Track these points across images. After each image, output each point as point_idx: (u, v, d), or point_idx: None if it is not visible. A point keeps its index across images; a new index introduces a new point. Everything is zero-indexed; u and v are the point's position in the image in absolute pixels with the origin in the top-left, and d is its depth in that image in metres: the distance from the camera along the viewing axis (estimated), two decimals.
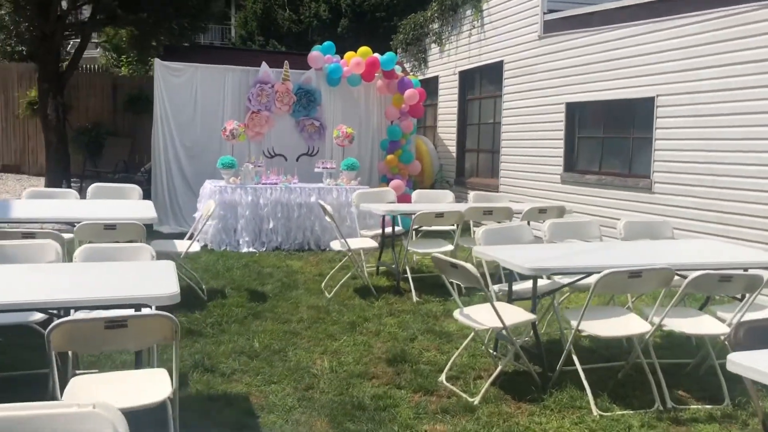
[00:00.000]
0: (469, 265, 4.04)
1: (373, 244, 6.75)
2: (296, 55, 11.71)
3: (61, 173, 12.26)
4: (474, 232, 7.81)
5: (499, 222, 6.93)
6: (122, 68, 17.17)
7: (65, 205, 6.15)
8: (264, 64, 10.10)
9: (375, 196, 7.64)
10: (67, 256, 4.65)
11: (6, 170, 14.13)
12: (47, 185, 12.16)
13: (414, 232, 7.65)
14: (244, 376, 4.50)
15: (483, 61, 11.35)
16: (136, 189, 6.90)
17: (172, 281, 3.45)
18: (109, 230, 5.22)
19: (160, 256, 6.63)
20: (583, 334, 4.22)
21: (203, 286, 6.59)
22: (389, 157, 10.35)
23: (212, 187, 8.68)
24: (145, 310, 2.98)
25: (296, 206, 8.87)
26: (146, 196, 10.76)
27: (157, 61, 9.92)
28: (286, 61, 10.20)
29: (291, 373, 4.57)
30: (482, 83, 11.78)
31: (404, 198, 10.23)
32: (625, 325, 4.26)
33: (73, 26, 12.30)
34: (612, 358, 4.87)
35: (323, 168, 9.41)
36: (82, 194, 11.70)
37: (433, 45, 13.27)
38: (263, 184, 8.88)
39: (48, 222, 5.58)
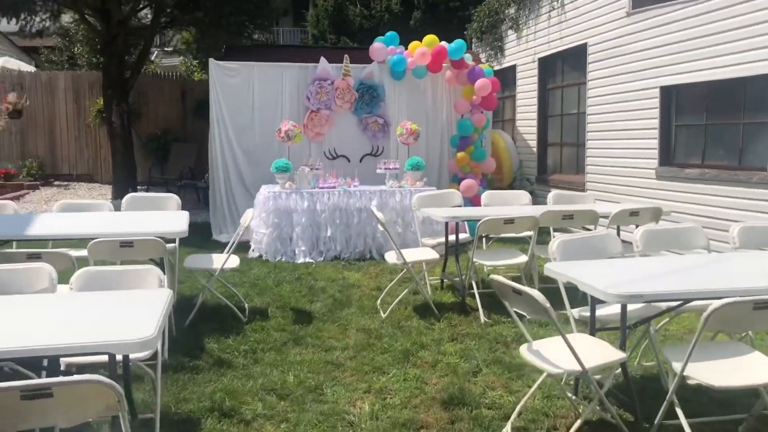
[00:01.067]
0: (535, 293, 3.13)
1: (434, 255, 5.89)
2: (357, 50, 10.99)
3: (127, 181, 12.06)
4: (553, 237, 6.83)
5: (582, 228, 5.93)
6: (195, 74, 17.04)
7: (90, 218, 5.63)
8: (323, 60, 9.42)
9: (437, 199, 6.78)
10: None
11: (80, 179, 14.15)
12: (114, 195, 12.01)
13: (483, 240, 6.76)
14: (266, 424, 3.75)
15: (564, 46, 10.24)
16: (173, 199, 6.34)
17: (153, 321, 2.75)
18: (126, 248, 4.60)
19: (195, 273, 6.13)
20: (690, 381, 3.21)
21: (245, 305, 5.93)
22: (460, 154, 9.45)
23: (266, 193, 8.06)
24: (75, 376, 2.24)
25: (356, 211, 8.13)
26: (206, 203, 10.38)
27: (211, 61, 9.42)
28: (346, 55, 9.48)
29: (323, 420, 3.79)
30: (564, 70, 10.66)
31: (478, 199, 9.29)
32: (748, 369, 3.22)
33: (135, 31, 12.05)
34: (729, 406, 3.82)
35: (385, 169, 8.62)
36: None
37: (509, 32, 12.24)
38: (320, 188, 8.19)
39: (60, 239, 5.06)
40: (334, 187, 8.22)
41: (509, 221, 5.43)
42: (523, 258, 5.75)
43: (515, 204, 6.93)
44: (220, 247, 8.61)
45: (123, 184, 12.03)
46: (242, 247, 8.30)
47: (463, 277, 5.94)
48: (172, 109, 14.26)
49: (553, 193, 7.01)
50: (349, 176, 8.67)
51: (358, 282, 6.94)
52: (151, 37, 12.00)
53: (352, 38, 18.02)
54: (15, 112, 13.42)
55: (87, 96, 13.95)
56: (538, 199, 10.92)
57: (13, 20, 10.49)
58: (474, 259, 5.67)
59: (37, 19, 10.68)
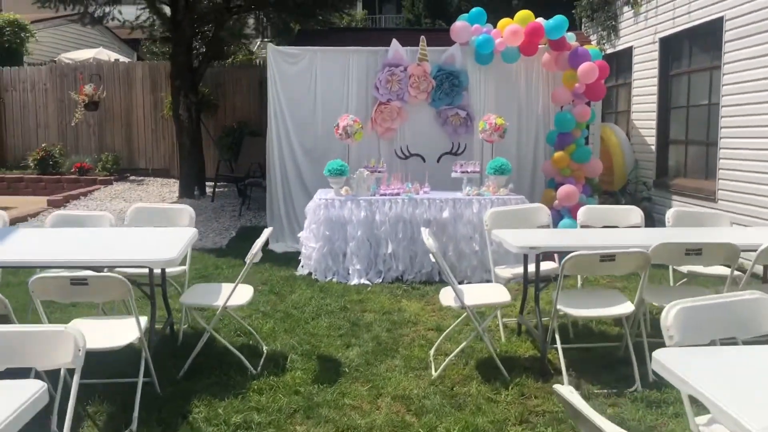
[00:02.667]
0: (605, 423, 1.67)
1: (504, 297, 4.38)
2: (436, 32, 9.53)
3: (194, 179, 11.23)
4: (672, 274, 5.14)
5: (709, 264, 4.26)
6: None
7: (64, 237, 4.56)
8: (394, 42, 8.04)
9: (517, 217, 5.25)
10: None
11: (156, 174, 13.56)
12: (180, 193, 11.22)
13: (578, 277, 5.18)
14: None
15: (693, 21, 8.32)
16: (186, 211, 5.19)
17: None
18: (79, 286, 3.46)
19: (190, 312, 4.93)
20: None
21: (263, 348, 4.71)
22: (558, 154, 7.80)
23: (317, 201, 6.81)
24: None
25: (424, 224, 6.71)
26: (262, 206, 9.30)
27: (269, 47, 8.28)
28: (422, 37, 8.05)
29: None
30: (692, 52, 8.72)
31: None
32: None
33: (204, 16, 11.16)
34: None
35: (461, 172, 7.15)
36: (200, 206, 10.63)
37: (625, 8, 10.35)
38: (381, 195, 6.85)
39: (11, 266, 4.04)
40: (397, 194, 6.85)
41: (608, 258, 3.86)
42: (626, 306, 4.15)
43: (622, 224, 5.29)
44: (274, 258, 7.51)
45: (190, 181, 11.22)
46: (293, 261, 7.14)
47: (545, 323, 4.43)
48: (250, 101, 13.35)
49: (674, 211, 5.30)
50: (418, 180, 7.27)
51: (415, 317, 5.54)
52: (220, 23, 11.03)
53: (449, 22, 16.49)
54: (91, 103, 12.96)
55: (163, 87, 13.28)
56: (654, 208, 9.09)
57: (70, 7, 9.81)
58: (558, 306, 4.14)
59: (94, 5, 9.96)
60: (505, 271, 5.08)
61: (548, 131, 8.20)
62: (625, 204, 9.79)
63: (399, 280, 6.71)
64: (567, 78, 7.74)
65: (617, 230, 4.96)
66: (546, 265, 4.87)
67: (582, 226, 5.33)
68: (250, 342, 4.90)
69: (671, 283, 5.15)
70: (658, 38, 9.30)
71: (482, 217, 6.54)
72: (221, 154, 11.95)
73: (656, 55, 9.36)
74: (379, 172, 7.14)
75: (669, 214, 5.28)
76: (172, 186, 12.41)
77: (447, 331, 4.87)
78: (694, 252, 4.00)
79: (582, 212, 5.37)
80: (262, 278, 6.69)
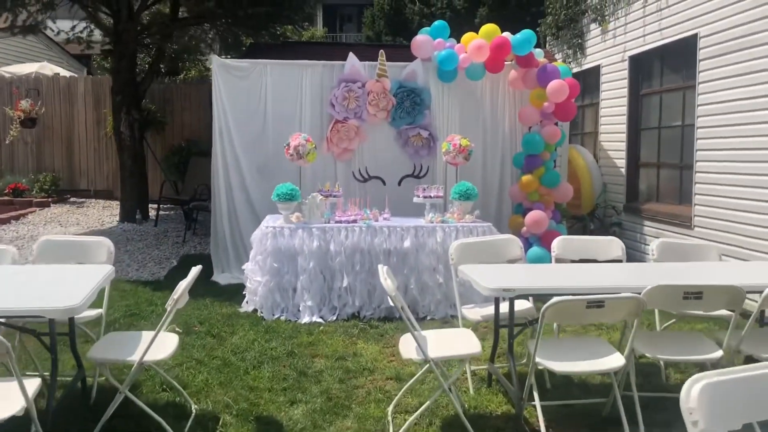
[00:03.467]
0: None
1: (474, 348, 3.74)
2: (397, 47, 9.01)
3: (136, 201, 10.43)
4: (658, 314, 4.60)
5: (710, 310, 3.72)
6: None
7: None
8: (351, 56, 7.46)
9: (486, 250, 4.66)
10: None
11: (99, 196, 12.68)
12: (121, 216, 10.41)
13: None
14: None
15: (666, 39, 7.93)
16: (103, 245, 4.46)
17: None
18: None
19: (100, 368, 4.13)
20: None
21: (192, 408, 3.99)
22: (526, 178, 7.27)
23: (264, 229, 6.13)
24: None
25: (383, 254, 6.09)
26: (210, 231, 8.56)
27: (214, 59, 7.61)
28: (381, 51, 7.49)
29: None
30: (664, 70, 8.33)
31: (549, 237, 7.10)
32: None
33: (149, 26, 10.43)
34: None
35: (424, 197, 6.56)
36: (142, 231, 9.77)
37: (592, 25, 9.97)
38: (336, 222, 6.20)
39: None
40: (354, 221, 6.22)
41: (596, 304, 3.28)
42: (615, 359, 3.57)
43: (601, 257, 4.74)
44: (216, 292, 6.79)
45: (131, 204, 10.42)
46: (238, 295, 6.43)
47: (519, 370, 3.82)
48: (200, 118, 12.60)
49: (659, 243, 4.76)
50: (377, 205, 6.66)
51: (372, 362, 4.88)
52: (166, 36, 10.31)
53: (410, 39, 16.05)
54: (28, 120, 12.05)
55: (107, 103, 12.44)
56: (625, 234, 8.63)
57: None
58: (537, 359, 3.53)
59: (25, 13, 9.15)
60: (474, 312, 4.47)
61: (515, 153, 7.68)
62: (594, 229, 9.36)
63: (356, 317, 6.05)
64: (535, 96, 7.24)
65: (598, 267, 4.39)
66: (520, 305, 4.28)
67: (557, 260, 4.78)
68: (177, 399, 4.17)
69: (657, 325, 4.61)
70: (627, 56, 8.90)
71: (447, 246, 5.95)
72: (166, 175, 11.17)
73: (626, 73, 8.96)
74: (334, 196, 6.51)
75: (654, 246, 4.75)
76: (115, 209, 11.55)
77: (409, 383, 4.22)
78: (694, 296, 3.44)
79: (557, 244, 4.81)
80: (201, 317, 5.96)
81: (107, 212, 11.38)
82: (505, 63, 7.42)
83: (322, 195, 6.36)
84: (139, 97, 10.54)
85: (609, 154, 9.54)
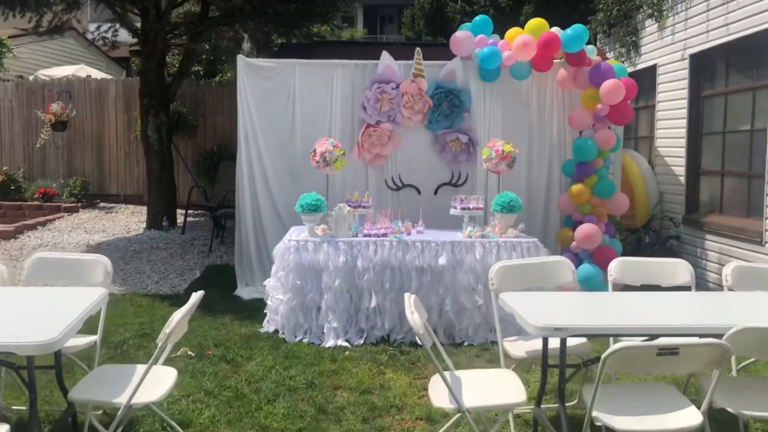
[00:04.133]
0: None
1: (518, 397, 3.14)
2: (435, 46, 8.43)
3: (163, 207, 10.07)
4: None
5: None
6: None
7: None
8: (385, 55, 6.90)
9: (532, 273, 4.04)
10: None
11: (128, 201, 12.39)
12: (148, 223, 10.05)
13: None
14: None
15: (732, 35, 7.17)
16: (99, 264, 3.96)
17: None
18: None
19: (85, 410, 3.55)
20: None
21: None
22: (577, 187, 6.60)
23: (287, 243, 5.61)
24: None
25: (415, 272, 5.52)
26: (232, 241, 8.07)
27: (239, 58, 7.13)
28: (417, 49, 6.91)
29: None
30: (730, 70, 7.57)
31: (601, 253, 6.44)
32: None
33: (178, 26, 10.06)
34: None
35: (461, 209, 5.96)
36: (168, 238, 9.32)
37: (648, 21, 9.23)
38: (365, 235, 5.65)
39: None
40: (384, 235, 5.65)
41: (669, 351, 2.65)
42: (690, 415, 2.92)
43: (665, 283, 4.09)
44: (237, 308, 6.31)
45: (158, 210, 10.05)
46: (260, 312, 5.93)
47: (574, 413, 3.20)
48: (232, 122, 12.19)
49: (735, 268, 4.06)
50: (411, 216, 6.09)
51: (402, 398, 4.31)
52: (195, 35, 9.93)
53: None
54: (59, 123, 11.82)
55: (137, 105, 12.16)
56: (684, 248, 7.90)
57: (26, 15, 8.71)
58: (594, 413, 2.91)
59: (51, 13, 8.86)
60: (517, 347, 3.85)
61: (564, 160, 7.01)
62: (649, 242, 8.61)
63: (385, 341, 5.49)
64: (587, 98, 6.57)
65: (666, 298, 3.72)
66: (573, 340, 3.65)
67: (614, 285, 4.14)
68: None
69: (734, 366, 3.93)
70: (688, 54, 8.15)
71: (487, 264, 5.37)
72: (195, 180, 10.79)
73: (686, 73, 8.20)
74: (363, 207, 5.96)
75: (728, 272, 4.05)
76: (144, 215, 11.21)
77: (443, 429, 3.63)
78: None
79: (615, 267, 4.16)
80: (217, 337, 5.47)
81: (135, 218, 11.06)
82: (554, 61, 6.76)
83: (349, 206, 5.81)
84: (168, 100, 10.17)
85: (666, 160, 8.78)
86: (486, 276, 5.44)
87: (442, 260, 5.51)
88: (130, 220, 10.91)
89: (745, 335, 2.78)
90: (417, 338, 3.02)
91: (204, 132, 12.25)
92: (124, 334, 5.47)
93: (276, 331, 5.62)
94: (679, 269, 4.15)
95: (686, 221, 8.17)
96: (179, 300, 6.63)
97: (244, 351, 5.14)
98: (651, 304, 3.57)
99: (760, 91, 6.89)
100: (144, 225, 10.22)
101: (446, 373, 3.20)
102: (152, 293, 6.94)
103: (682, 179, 8.32)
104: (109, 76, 15.02)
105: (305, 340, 5.43)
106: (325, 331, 5.45)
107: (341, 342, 5.38)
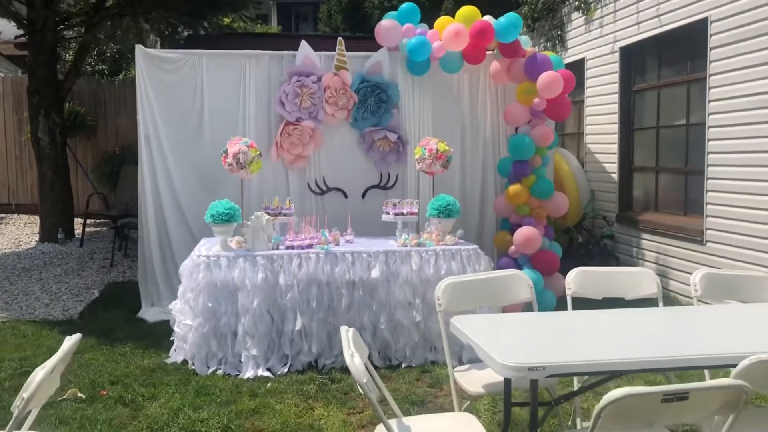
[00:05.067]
0: None
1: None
2: (358, 39, 7.86)
3: (58, 218, 9.02)
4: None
5: None
6: None
7: None
8: (304, 45, 6.25)
9: (484, 292, 3.49)
10: None
11: (22, 210, 11.20)
12: (42, 236, 8.98)
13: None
14: None
15: (665, 26, 6.92)
16: None
17: None
18: None
19: None
20: None
21: None
22: (514, 188, 6.14)
23: (195, 259, 4.86)
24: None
25: (346, 287, 4.89)
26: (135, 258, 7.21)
27: (137, 49, 6.30)
28: (340, 38, 6.29)
29: None
30: (662, 62, 7.33)
31: (542, 258, 6.00)
32: None
33: (70, 16, 9.04)
34: None
35: (394, 214, 5.39)
36: (64, 253, 8.24)
37: (575, 14, 8.94)
38: (287, 248, 4.97)
39: None
40: (309, 246, 4.99)
41: (676, 396, 2.13)
42: None
43: (630, 294, 3.63)
44: (140, 334, 5.51)
45: (53, 221, 9.00)
46: (167, 338, 5.15)
47: None
48: (135, 122, 11.19)
49: (704, 275, 3.64)
50: (338, 224, 5.47)
51: None
52: (90, 26, 8.94)
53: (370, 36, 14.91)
54: None
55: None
56: (619, 248, 7.64)
57: None
58: None
59: None
60: (472, 380, 3.28)
61: (500, 158, 6.55)
62: (582, 241, 8.31)
63: (312, 368, 4.83)
64: (523, 91, 6.12)
65: (645, 317, 3.24)
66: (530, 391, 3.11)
67: (573, 299, 3.65)
68: None
69: None
70: (617, 47, 7.88)
71: (424, 276, 4.84)
72: (95, 186, 9.78)
73: (616, 67, 7.93)
74: (284, 215, 5.28)
75: (696, 280, 3.63)
76: (38, 226, 10.10)
77: None
78: None
79: (574, 279, 3.66)
80: (115, 372, 4.67)
81: (28, 230, 9.94)
82: (487, 52, 6.29)
83: (268, 213, 5.12)
84: (62, 98, 9.14)
85: (597, 157, 8.51)
86: (424, 288, 4.91)
87: (375, 273, 4.90)
88: (21, 232, 9.78)
89: (760, 369, 2.31)
90: (359, 387, 2.39)
91: (105, 134, 11.22)
92: None
93: (185, 362, 4.86)
94: (644, 280, 3.70)
95: (620, 219, 7.90)
96: (72, 327, 5.74)
97: (146, 389, 4.37)
98: (629, 324, 3.07)
99: (696, 84, 6.64)
100: (37, 238, 9.14)
101: (393, 422, 2.61)
102: (40, 319, 6.02)
103: (615, 176, 8.05)
104: None
105: (220, 372, 4.70)
106: (242, 360, 4.74)
107: (262, 372, 4.68)
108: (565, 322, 3.21)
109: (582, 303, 3.55)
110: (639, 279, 3.73)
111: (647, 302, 3.65)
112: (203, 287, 4.74)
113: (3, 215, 11.00)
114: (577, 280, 3.69)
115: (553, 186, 6.30)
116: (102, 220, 10.01)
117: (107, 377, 4.57)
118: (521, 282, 3.53)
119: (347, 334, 2.61)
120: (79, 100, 10.90)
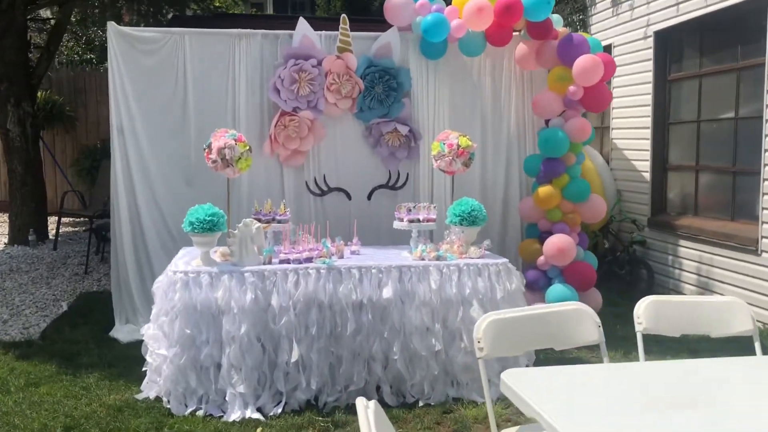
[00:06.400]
0: None
1: None
2: (364, 22, 7.07)
3: (29, 217, 8.19)
4: None
5: None
6: None
7: None
8: (302, 23, 5.42)
9: (538, 331, 2.68)
10: None
11: None
12: (11, 237, 8.15)
13: None
14: None
15: (710, 6, 6.10)
16: None
17: None
18: None
19: None
20: None
21: None
22: (544, 189, 5.33)
23: (171, 276, 4.03)
24: None
25: (352, 309, 4.07)
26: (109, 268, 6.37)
27: (110, 26, 5.46)
28: (343, 16, 5.47)
29: None
30: (705, 48, 6.52)
31: (576, 270, 5.20)
32: None
33: None
34: None
35: (408, 221, 4.57)
36: (35, 257, 7.32)
37: None
38: (281, 261, 4.15)
39: None
40: (308, 260, 4.17)
41: None
42: None
43: (716, 332, 2.84)
44: (109, 360, 4.70)
45: (23, 220, 8.17)
46: (141, 365, 4.33)
47: None
48: None
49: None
50: (340, 234, 4.65)
51: None
52: (66, 7, 8.09)
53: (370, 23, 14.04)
54: None
55: None
56: (651, 255, 6.88)
57: None
58: None
59: None
60: None
61: (526, 155, 5.74)
62: (609, 247, 7.52)
63: (312, 407, 4.02)
64: (556, 78, 5.30)
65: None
66: None
67: (644, 335, 2.85)
68: None
69: None
70: (652, 32, 7.06)
71: (446, 296, 4.04)
72: (70, 183, 8.94)
73: (650, 53, 7.12)
74: (278, 221, 4.46)
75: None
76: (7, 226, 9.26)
77: None
78: None
79: (644, 311, 2.86)
80: (74, 412, 3.85)
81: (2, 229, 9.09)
82: (513, 33, 5.47)
83: (259, 219, 4.30)
84: (34, 86, 8.29)
85: (625, 154, 7.70)
86: (445, 311, 4.11)
87: (387, 292, 4.08)
88: None
89: None
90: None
91: (86, 125, 10.36)
92: None
93: (159, 399, 4.04)
94: (735, 312, 2.90)
95: (652, 223, 7.11)
96: (30, 350, 4.92)
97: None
98: (761, 384, 2.26)
99: (748, 72, 5.84)
100: (6, 239, 8.31)
101: None
102: None
103: (647, 175, 7.24)
104: None
105: (200, 413, 3.89)
106: (227, 398, 3.92)
107: (251, 413, 3.86)
108: (657, 378, 2.39)
109: (651, 340, 2.75)
110: (728, 311, 2.93)
111: (737, 341, 2.87)
112: (180, 310, 3.91)
113: None
114: (648, 312, 2.89)
115: (590, 188, 5.49)
116: (79, 219, 9.17)
117: (62, 420, 3.75)
118: (585, 318, 2.72)
119: (366, 411, 1.80)
120: (57, 89, 10.06)
